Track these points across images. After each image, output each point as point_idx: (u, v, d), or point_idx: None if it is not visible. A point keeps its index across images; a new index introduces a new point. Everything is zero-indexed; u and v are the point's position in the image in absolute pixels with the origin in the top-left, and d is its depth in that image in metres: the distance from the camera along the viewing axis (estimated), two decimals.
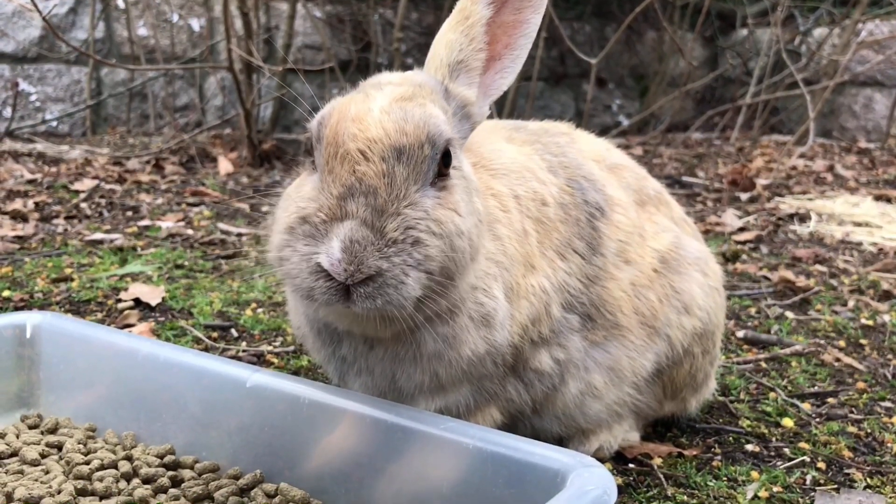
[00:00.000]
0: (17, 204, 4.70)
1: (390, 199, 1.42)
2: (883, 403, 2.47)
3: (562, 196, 1.91)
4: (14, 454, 1.88)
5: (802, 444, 2.18)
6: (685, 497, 1.91)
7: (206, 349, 2.70)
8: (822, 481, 2.00)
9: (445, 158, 1.53)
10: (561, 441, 2.04)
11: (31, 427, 2.02)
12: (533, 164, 1.92)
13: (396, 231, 1.41)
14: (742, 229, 4.79)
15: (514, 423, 1.93)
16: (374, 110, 1.49)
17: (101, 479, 1.75)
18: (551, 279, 1.82)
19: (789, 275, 3.69)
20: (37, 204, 4.79)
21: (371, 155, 1.44)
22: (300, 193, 1.51)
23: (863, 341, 3.00)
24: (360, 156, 1.44)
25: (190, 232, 4.31)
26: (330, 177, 1.46)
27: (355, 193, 1.42)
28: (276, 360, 2.63)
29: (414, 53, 8.19)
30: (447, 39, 1.70)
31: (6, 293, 3.14)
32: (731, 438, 2.23)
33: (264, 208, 5.22)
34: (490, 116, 1.89)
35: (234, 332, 2.88)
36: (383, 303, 1.42)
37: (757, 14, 8.98)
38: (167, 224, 4.44)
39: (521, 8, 1.72)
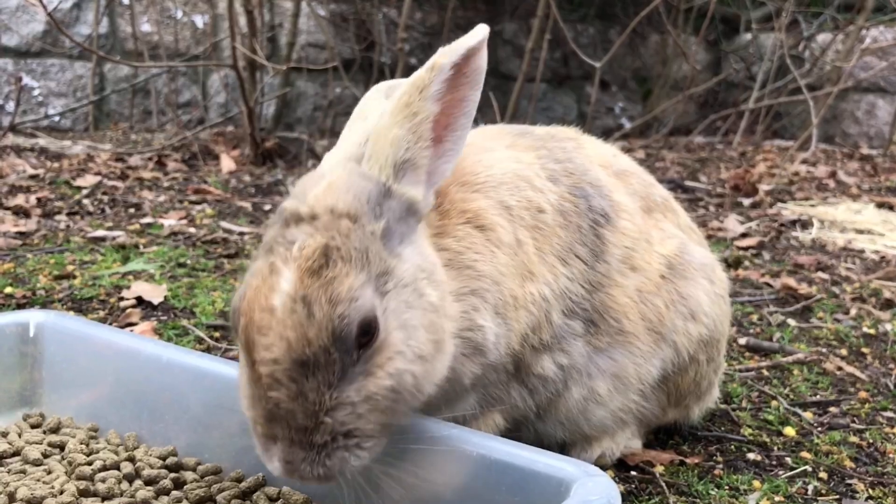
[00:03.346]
0: (20, 199, 4.70)
1: (308, 416, 1.42)
2: (885, 413, 2.47)
3: (561, 203, 1.88)
4: (16, 453, 1.87)
5: (804, 454, 2.18)
6: None
7: (209, 349, 2.70)
8: (823, 491, 2.00)
9: (367, 331, 1.45)
10: (564, 447, 2.05)
11: (33, 426, 2.01)
12: (529, 173, 1.89)
13: (323, 437, 1.43)
14: (744, 235, 4.79)
15: (517, 428, 1.92)
16: (278, 309, 1.43)
17: (103, 480, 1.75)
18: (552, 286, 1.81)
19: (791, 282, 3.69)
20: (39, 200, 4.78)
21: (280, 378, 1.41)
22: (242, 382, 1.53)
23: (865, 350, 3.00)
24: (270, 380, 1.42)
25: (192, 230, 4.31)
26: (254, 389, 1.46)
27: (277, 418, 1.43)
28: None
29: (417, 53, 8.19)
30: (393, 135, 1.58)
31: (8, 290, 3.14)
32: (732, 447, 2.23)
33: (267, 207, 5.22)
34: (493, 119, 1.87)
35: None
36: (343, 479, 1.49)
37: (761, 19, 8.98)
38: (169, 222, 4.44)
39: (458, 85, 1.61)
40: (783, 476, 2.07)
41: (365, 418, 1.45)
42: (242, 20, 6.16)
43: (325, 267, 1.45)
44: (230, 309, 1.55)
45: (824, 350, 2.97)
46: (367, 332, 1.45)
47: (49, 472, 1.78)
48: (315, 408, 1.42)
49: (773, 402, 2.50)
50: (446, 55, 1.58)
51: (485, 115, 8.79)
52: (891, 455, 2.21)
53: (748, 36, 9.33)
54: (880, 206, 5.77)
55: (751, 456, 2.18)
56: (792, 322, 3.27)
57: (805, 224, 5.18)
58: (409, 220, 1.61)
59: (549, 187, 1.89)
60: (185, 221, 4.51)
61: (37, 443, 1.91)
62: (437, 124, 1.61)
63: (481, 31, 1.61)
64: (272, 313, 1.43)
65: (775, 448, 2.23)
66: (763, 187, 6.13)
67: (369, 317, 1.45)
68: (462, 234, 1.73)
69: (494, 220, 1.76)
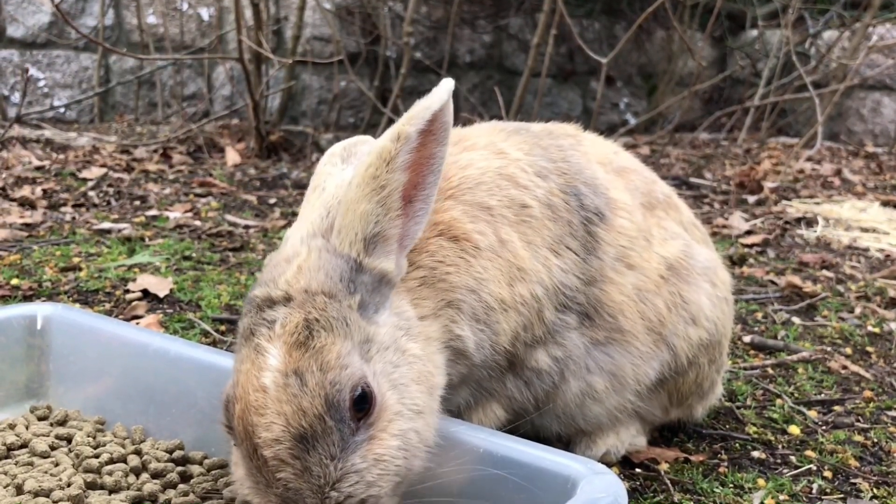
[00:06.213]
0: (26, 191, 4.70)
1: (314, 492, 1.40)
2: (890, 413, 2.48)
3: (549, 198, 1.87)
4: (24, 445, 1.89)
5: (809, 453, 2.19)
6: (692, 503, 1.91)
7: (214, 342, 2.71)
8: (828, 490, 2.01)
9: (362, 398, 1.45)
10: (561, 441, 2.05)
11: (40, 418, 2.02)
12: (514, 170, 1.87)
13: None
14: (749, 232, 4.79)
15: (516, 420, 1.93)
16: (270, 387, 1.43)
17: (110, 473, 1.76)
18: (545, 282, 1.80)
19: (796, 280, 3.69)
20: (45, 191, 4.79)
21: (283, 457, 1.40)
22: (240, 475, 1.51)
23: (869, 349, 3.00)
24: (276, 462, 1.41)
25: (198, 223, 4.31)
26: (261, 476, 1.44)
27: (288, 501, 1.41)
28: None
29: (423, 48, 8.18)
30: (362, 210, 1.54)
31: (15, 281, 3.15)
32: (737, 445, 2.24)
33: (272, 201, 5.22)
34: (497, 115, 1.86)
35: None
36: None
37: (767, 15, 8.95)
38: (175, 214, 4.44)
39: (426, 143, 1.58)
40: (788, 475, 2.07)
41: (376, 486, 1.43)
42: (248, 13, 6.15)
43: (310, 338, 1.46)
44: (223, 400, 1.52)
45: (829, 349, 2.98)
46: (364, 400, 1.44)
47: (56, 465, 1.79)
48: (320, 482, 1.40)
49: (778, 401, 2.50)
50: (412, 123, 1.54)
51: (489, 109, 8.80)
52: (895, 454, 2.21)
53: (754, 32, 9.30)
54: (885, 204, 5.77)
55: (755, 454, 2.18)
56: (797, 320, 3.27)
57: (810, 222, 5.18)
58: (382, 289, 1.60)
59: (538, 183, 1.88)
60: (190, 214, 4.51)
61: (44, 435, 1.92)
62: (405, 188, 1.58)
63: (445, 89, 1.57)
64: (266, 392, 1.43)
65: (780, 446, 2.23)
66: (768, 185, 6.12)
67: (362, 384, 1.44)
68: (434, 249, 1.72)
69: (468, 227, 1.75)
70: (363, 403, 1.44)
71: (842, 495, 1.99)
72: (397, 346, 1.57)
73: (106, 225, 4.14)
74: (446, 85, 1.58)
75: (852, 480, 2.06)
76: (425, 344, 1.63)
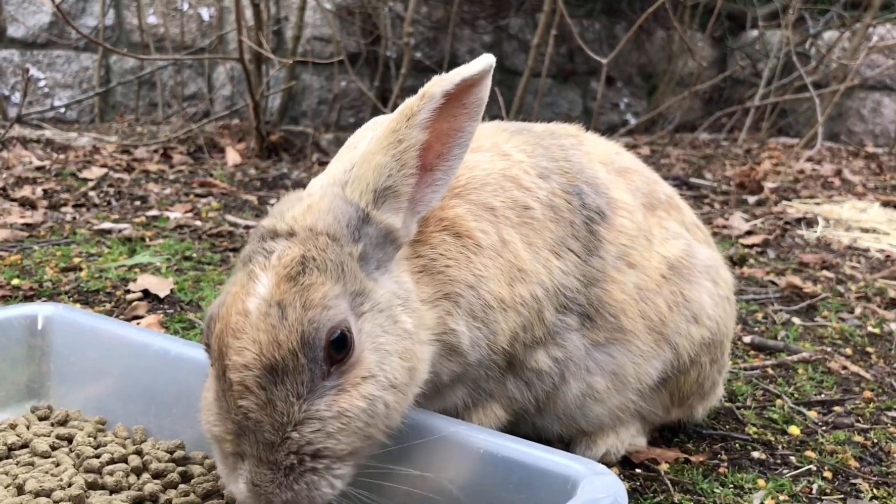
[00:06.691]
0: (26, 191, 4.70)
1: (275, 428, 1.40)
2: (889, 413, 2.48)
3: (551, 199, 1.88)
4: (24, 445, 1.89)
5: (809, 453, 2.19)
6: (692, 503, 1.92)
7: None
8: (828, 491, 2.01)
9: (340, 342, 1.45)
10: (562, 441, 2.06)
11: (41, 418, 2.02)
12: (517, 172, 1.87)
13: (290, 457, 1.41)
14: (749, 233, 4.79)
15: (517, 422, 1.94)
16: (253, 313, 1.44)
17: (111, 473, 1.76)
18: (545, 284, 1.81)
19: (796, 280, 3.69)
20: (45, 191, 4.79)
21: (250, 385, 1.41)
22: (208, 400, 1.52)
23: (869, 349, 3.00)
24: (241, 388, 1.41)
25: (198, 223, 4.31)
26: (224, 400, 1.45)
27: (246, 431, 1.42)
28: None
29: (423, 48, 8.18)
30: (377, 162, 1.57)
31: (15, 281, 3.15)
32: (737, 445, 2.24)
33: (272, 201, 5.22)
34: (497, 115, 1.87)
35: None
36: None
37: (767, 16, 8.95)
38: (175, 215, 4.44)
39: (456, 115, 1.60)
40: (788, 475, 2.08)
41: (335, 438, 1.43)
42: (248, 13, 6.15)
43: (301, 274, 1.47)
44: (206, 317, 1.54)
45: (829, 349, 2.98)
46: (343, 344, 1.45)
47: (57, 465, 1.79)
48: (283, 419, 1.40)
49: (778, 401, 2.51)
50: (438, 84, 1.56)
51: (489, 109, 8.77)
52: (895, 455, 2.21)
53: (754, 33, 9.31)
54: (885, 204, 5.77)
55: (755, 454, 2.18)
56: (797, 320, 3.27)
57: (810, 222, 5.18)
58: (386, 247, 1.60)
59: (539, 184, 1.88)
60: (190, 214, 4.51)
61: (45, 435, 1.92)
62: (427, 152, 1.60)
63: (484, 62, 1.57)
64: (247, 316, 1.44)
65: (780, 447, 2.23)
66: (768, 185, 6.13)
67: (341, 328, 1.45)
68: (437, 241, 1.73)
69: (471, 225, 1.76)
70: (341, 347, 1.45)
71: (842, 496, 1.99)
72: (391, 313, 1.56)
73: (106, 225, 4.14)
74: (486, 59, 1.58)
75: (852, 481, 2.07)
76: (418, 324, 1.61)
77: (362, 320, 1.50)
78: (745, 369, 2.75)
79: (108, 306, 2.99)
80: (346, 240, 1.54)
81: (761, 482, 2.02)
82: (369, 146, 1.58)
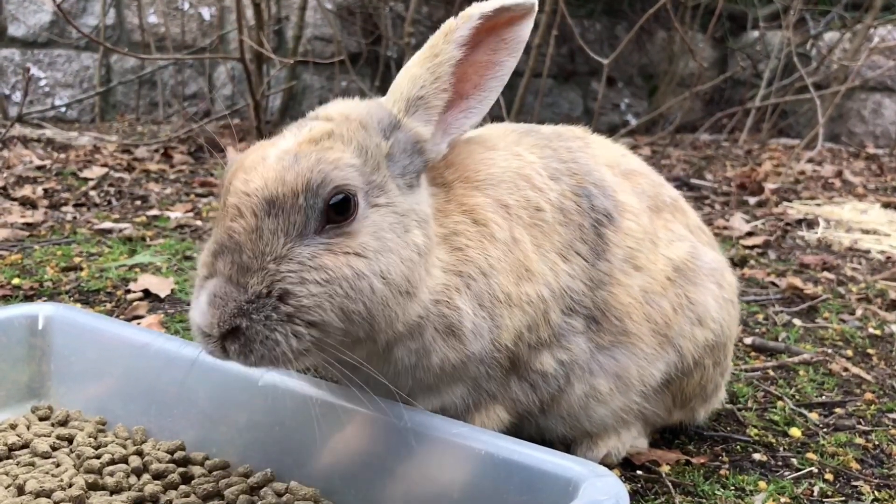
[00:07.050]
0: (27, 190, 4.70)
1: (255, 255, 1.43)
2: (891, 415, 2.47)
3: (562, 201, 1.88)
4: (25, 446, 1.89)
5: (810, 455, 2.18)
6: None
7: None
8: (829, 493, 2.01)
9: (342, 205, 1.49)
10: (565, 442, 2.05)
11: (41, 419, 2.02)
12: (530, 172, 1.89)
13: (260, 285, 1.42)
14: (750, 234, 4.79)
15: (520, 422, 1.93)
16: (270, 158, 1.51)
17: (111, 474, 1.76)
18: (551, 285, 1.81)
19: (797, 281, 3.69)
20: (46, 191, 4.79)
21: (244, 210, 1.45)
22: (208, 245, 1.55)
23: (870, 351, 3.00)
24: (234, 211, 1.46)
25: (199, 223, 4.31)
26: (216, 227, 1.50)
27: (224, 251, 1.44)
28: None
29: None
30: (412, 73, 1.66)
31: (16, 281, 3.15)
32: (738, 447, 2.23)
33: None
34: (498, 115, 1.89)
35: None
36: (257, 359, 1.45)
37: (768, 16, 8.95)
38: (176, 214, 4.44)
39: (496, 49, 1.69)
40: (789, 477, 2.07)
41: (308, 289, 1.44)
42: (249, 13, 6.15)
43: (324, 139, 1.54)
44: (228, 166, 1.59)
45: (830, 350, 2.98)
46: (345, 208, 1.49)
47: (58, 465, 1.79)
48: (265, 248, 1.43)
49: (779, 403, 2.50)
50: (478, 7, 1.64)
51: (490, 109, 8.77)
52: None
53: (755, 33, 9.30)
54: (886, 206, 5.76)
55: (756, 456, 2.18)
56: (798, 322, 3.27)
57: (811, 223, 5.18)
58: (413, 157, 1.66)
59: (551, 186, 1.89)
60: (191, 214, 4.51)
61: (45, 435, 1.92)
62: (464, 82, 1.67)
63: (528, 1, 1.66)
64: (263, 161, 1.50)
65: (781, 449, 2.23)
66: (769, 186, 6.12)
67: (346, 192, 1.49)
68: (457, 221, 1.76)
69: (489, 216, 1.77)
70: (342, 210, 1.49)
71: (843, 498, 1.98)
72: (405, 222, 1.59)
73: (107, 225, 4.14)
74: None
75: (853, 483, 2.06)
76: (430, 248, 1.64)
77: (373, 211, 1.55)
78: (746, 371, 2.75)
79: (108, 306, 2.99)
80: (375, 131, 1.61)
81: (762, 484, 2.02)
82: (408, 62, 1.68)
